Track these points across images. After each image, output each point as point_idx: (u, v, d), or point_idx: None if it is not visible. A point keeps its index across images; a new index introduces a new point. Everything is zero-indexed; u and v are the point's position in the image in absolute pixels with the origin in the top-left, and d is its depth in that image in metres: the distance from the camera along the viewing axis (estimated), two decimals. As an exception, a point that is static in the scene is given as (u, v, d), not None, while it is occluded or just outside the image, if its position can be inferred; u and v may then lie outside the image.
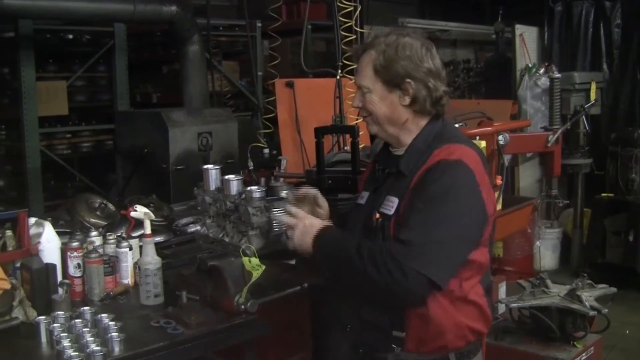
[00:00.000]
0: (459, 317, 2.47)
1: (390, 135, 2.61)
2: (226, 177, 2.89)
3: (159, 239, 3.56)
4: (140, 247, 3.16)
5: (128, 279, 3.21)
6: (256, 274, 2.64)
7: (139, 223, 3.25)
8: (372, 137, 5.29)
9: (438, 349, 2.48)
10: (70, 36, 7.62)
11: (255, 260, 2.64)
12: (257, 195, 2.76)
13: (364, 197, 2.69)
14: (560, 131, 6.91)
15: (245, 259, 2.65)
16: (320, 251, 2.54)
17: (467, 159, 2.43)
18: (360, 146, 4.07)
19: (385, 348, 2.50)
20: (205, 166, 3.01)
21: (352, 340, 2.63)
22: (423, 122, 2.58)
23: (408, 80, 2.50)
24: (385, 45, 2.52)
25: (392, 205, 2.47)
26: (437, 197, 2.36)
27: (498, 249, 6.31)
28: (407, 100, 2.53)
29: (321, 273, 2.81)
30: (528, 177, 8.01)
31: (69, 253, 3.09)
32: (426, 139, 2.55)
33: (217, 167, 3.00)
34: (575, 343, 4.19)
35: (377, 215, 2.50)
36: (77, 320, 2.70)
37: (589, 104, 7.58)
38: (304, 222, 2.61)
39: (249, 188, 2.78)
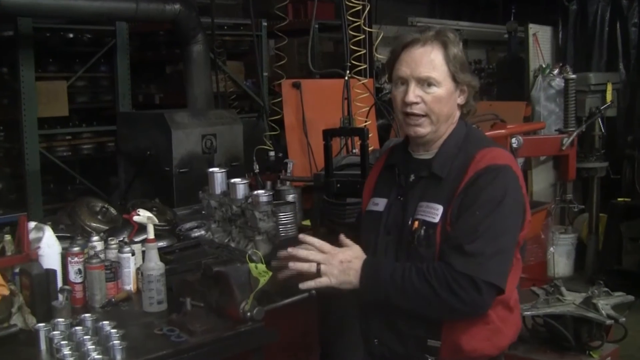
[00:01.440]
0: (499, 324, 2.48)
1: (438, 136, 2.56)
2: (232, 180, 2.88)
3: (162, 243, 3.57)
4: (143, 252, 3.15)
5: (130, 285, 3.22)
6: (263, 281, 2.63)
7: (141, 227, 3.25)
8: (382, 140, 5.31)
9: (475, 357, 2.49)
10: (71, 35, 7.61)
11: (261, 267, 2.64)
12: (264, 199, 2.75)
13: (379, 203, 2.64)
14: (575, 134, 6.90)
15: (251, 265, 2.65)
16: (374, 285, 2.44)
17: (513, 164, 2.48)
18: (370, 149, 4.06)
19: (417, 358, 2.49)
20: (211, 169, 3.00)
21: (378, 353, 2.60)
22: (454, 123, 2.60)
23: (468, 79, 2.54)
24: (453, 39, 2.52)
25: (434, 212, 2.44)
26: (493, 203, 2.36)
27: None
28: (463, 99, 2.56)
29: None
30: (541, 181, 7.99)
31: (69, 258, 3.09)
32: (457, 141, 2.55)
33: (223, 170, 2.99)
34: (591, 353, 4.16)
35: (416, 224, 2.46)
36: (77, 328, 2.70)
37: (605, 106, 7.55)
38: (338, 258, 2.49)
39: (255, 192, 2.77)
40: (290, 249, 2.55)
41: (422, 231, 2.44)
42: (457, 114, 2.59)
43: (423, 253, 2.43)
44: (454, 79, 2.50)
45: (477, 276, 2.28)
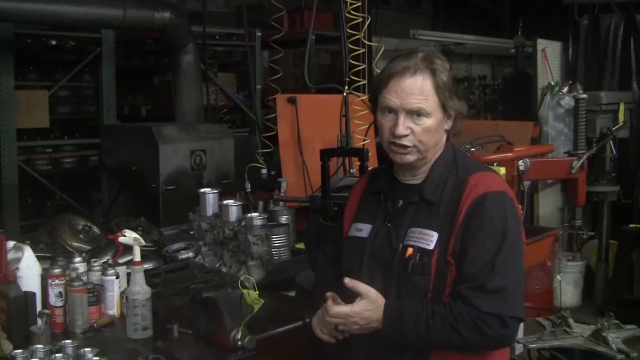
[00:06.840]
0: (489, 353, 2.55)
1: (425, 162, 2.62)
2: (225, 202, 2.90)
3: (147, 265, 3.56)
4: (128, 274, 3.16)
5: (114, 310, 3.22)
6: (256, 308, 2.64)
7: (126, 248, 3.25)
8: (381, 160, 5.31)
9: None
10: (54, 42, 7.63)
11: (254, 294, 2.64)
12: (258, 222, 2.77)
13: (362, 229, 2.69)
14: (585, 157, 6.90)
15: (244, 292, 2.65)
16: (397, 334, 2.48)
17: (507, 189, 2.59)
18: (369, 169, 4.07)
19: None
20: (203, 190, 3.01)
21: None
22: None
23: (457, 106, 2.59)
24: (442, 65, 2.56)
25: (429, 239, 2.50)
26: (499, 233, 2.46)
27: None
28: (450, 124, 2.61)
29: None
30: (548, 204, 7.99)
31: (50, 280, 3.10)
32: (446, 163, 2.62)
33: (215, 190, 3.00)
34: (600, 389, 4.18)
35: (410, 250, 2.51)
36: (57, 355, 2.70)
37: (617, 127, 7.56)
38: (354, 319, 2.54)
39: (249, 215, 2.79)
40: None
41: (417, 258, 2.49)
42: (444, 138, 2.65)
43: (417, 281, 2.49)
44: (444, 108, 2.56)
45: (505, 313, 2.39)
